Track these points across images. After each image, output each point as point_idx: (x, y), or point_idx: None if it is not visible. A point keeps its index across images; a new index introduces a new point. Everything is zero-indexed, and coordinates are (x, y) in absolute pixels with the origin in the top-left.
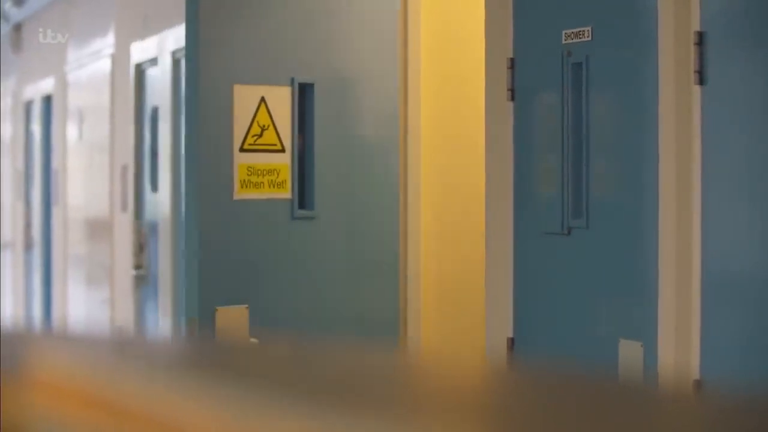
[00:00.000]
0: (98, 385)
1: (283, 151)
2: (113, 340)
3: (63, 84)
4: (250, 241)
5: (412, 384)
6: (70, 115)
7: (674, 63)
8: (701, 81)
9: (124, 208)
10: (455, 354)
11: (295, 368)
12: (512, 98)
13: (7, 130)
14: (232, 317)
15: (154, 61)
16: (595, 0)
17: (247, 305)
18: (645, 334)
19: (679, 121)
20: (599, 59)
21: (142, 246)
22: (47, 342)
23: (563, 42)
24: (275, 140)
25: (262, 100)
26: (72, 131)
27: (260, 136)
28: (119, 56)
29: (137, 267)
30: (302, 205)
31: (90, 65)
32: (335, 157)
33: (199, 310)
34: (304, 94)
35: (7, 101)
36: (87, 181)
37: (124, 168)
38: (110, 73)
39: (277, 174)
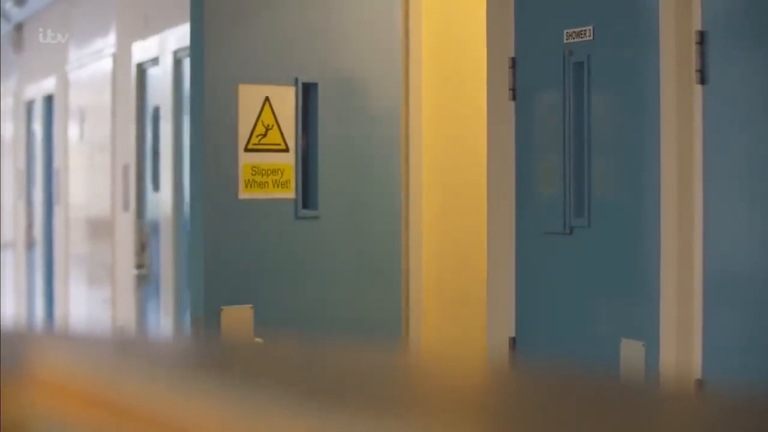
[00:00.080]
0: (99, 385)
1: (287, 150)
2: (115, 340)
3: (64, 83)
4: (254, 241)
5: (414, 384)
6: (71, 115)
7: (676, 62)
8: (702, 80)
9: (125, 207)
10: (457, 353)
11: (298, 368)
12: (513, 98)
13: (9, 130)
14: (237, 317)
15: (155, 61)
16: None
17: (251, 305)
18: (646, 333)
19: (680, 120)
20: (600, 58)
21: (143, 245)
22: (49, 341)
23: (565, 41)
24: (279, 140)
25: (267, 99)
26: (73, 131)
27: (265, 135)
28: (120, 56)
29: (139, 266)
30: (306, 204)
31: (91, 65)
32: (338, 157)
33: (204, 309)
34: (307, 94)
35: (9, 101)
36: (88, 180)
37: (126, 167)
38: (111, 72)
39: (281, 174)
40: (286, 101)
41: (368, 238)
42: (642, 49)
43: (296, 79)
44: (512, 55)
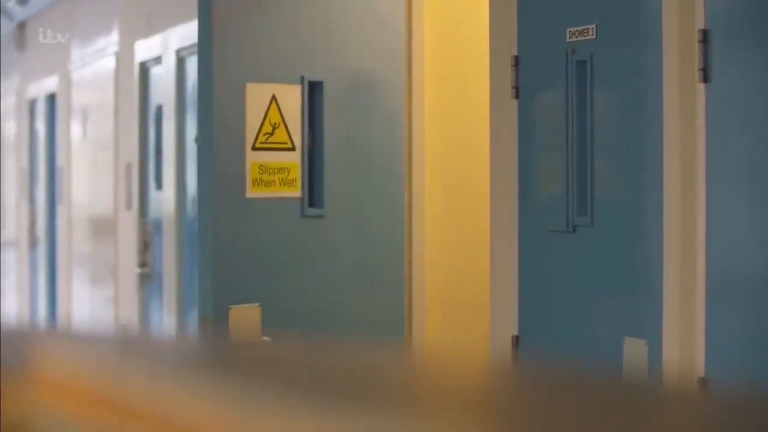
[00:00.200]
0: (102, 384)
1: (293, 149)
2: (117, 338)
3: (67, 82)
4: (261, 240)
5: (418, 382)
6: (74, 114)
7: (678, 61)
8: (705, 79)
9: (128, 206)
10: (460, 351)
11: (302, 367)
12: (516, 96)
13: (12, 129)
14: (245, 316)
15: (158, 60)
16: None
17: (259, 304)
18: (649, 332)
19: (683, 118)
20: (603, 57)
21: (146, 244)
22: (51, 340)
23: (567, 40)
24: (286, 138)
25: (273, 98)
26: (76, 129)
27: (271, 134)
28: (123, 54)
29: (142, 265)
30: (312, 203)
31: (94, 63)
32: (344, 156)
33: (213, 308)
34: (313, 93)
35: (12, 99)
36: (91, 179)
37: (129, 166)
38: (114, 71)
39: (288, 172)
40: (292, 100)
41: (372, 236)
42: (645, 48)
43: (302, 77)
44: (515, 53)
